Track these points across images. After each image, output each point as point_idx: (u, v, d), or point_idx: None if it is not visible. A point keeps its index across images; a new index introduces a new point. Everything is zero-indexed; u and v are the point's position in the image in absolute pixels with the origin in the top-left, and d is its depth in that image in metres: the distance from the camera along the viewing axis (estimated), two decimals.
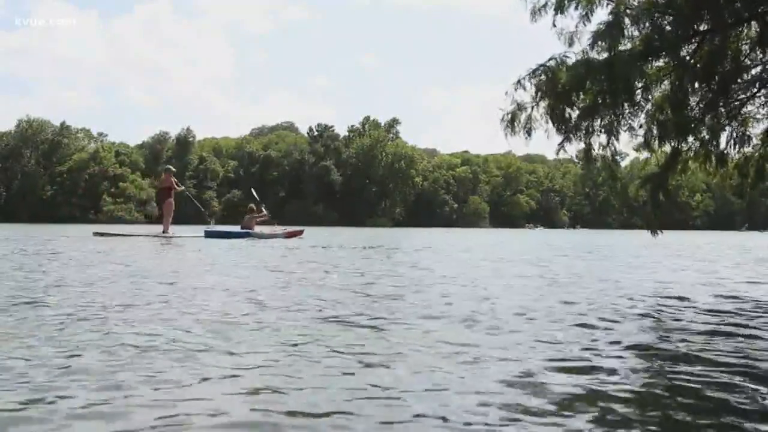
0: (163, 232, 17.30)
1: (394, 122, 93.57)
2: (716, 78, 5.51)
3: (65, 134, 79.54)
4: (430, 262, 9.07)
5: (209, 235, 17.04)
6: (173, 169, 19.48)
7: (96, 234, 17.22)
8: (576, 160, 6.28)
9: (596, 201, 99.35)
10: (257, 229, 18.07)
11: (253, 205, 18.87)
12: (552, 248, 15.36)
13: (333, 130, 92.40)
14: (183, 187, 18.75)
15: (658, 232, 6.46)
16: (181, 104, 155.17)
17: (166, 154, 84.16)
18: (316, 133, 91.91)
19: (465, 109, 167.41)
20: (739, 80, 5.78)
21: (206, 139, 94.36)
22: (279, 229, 18.86)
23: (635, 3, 5.26)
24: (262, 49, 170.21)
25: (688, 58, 5.47)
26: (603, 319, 3.77)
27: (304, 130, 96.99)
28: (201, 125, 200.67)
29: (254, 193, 21.57)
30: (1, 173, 76.34)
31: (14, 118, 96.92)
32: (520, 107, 5.55)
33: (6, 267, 6.82)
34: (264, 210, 19.06)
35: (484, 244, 19.00)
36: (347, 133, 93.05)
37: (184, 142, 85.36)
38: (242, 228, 18.08)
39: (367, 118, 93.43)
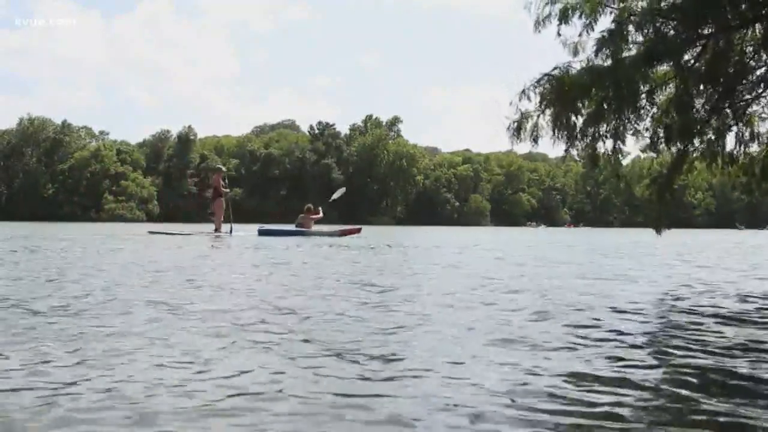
0: (216, 230, 17.69)
1: (395, 121, 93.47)
2: (721, 80, 5.52)
3: (66, 132, 79.38)
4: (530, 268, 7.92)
5: (262, 233, 17.00)
6: (223, 169, 19.55)
7: (151, 233, 17.56)
8: (578, 159, 6.29)
9: (597, 199, 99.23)
10: (314, 228, 17.92)
11: (310, 205, 18.56)
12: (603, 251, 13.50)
13: (334, 128, 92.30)
14: (228, 190, 18.52)
15: (664, 230, 6.52)
16: (182, 103, 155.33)
17: (168, 153, 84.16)
18: (317, 131, 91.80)
19: (465, 109, 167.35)
20: (744, 81, 5.79)
21: (207, 137, 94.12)
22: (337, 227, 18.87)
23: (638, 9, 5.26)
24: (263, 48, 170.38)
25: (692, 61, 5.47)
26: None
27: (305, 128, 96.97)
28: (202, 124, 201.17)
29: (338, 194, 20.56)
30: (3, 172, 76.27)
31: (15, 117, 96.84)
32: (525, 116, 5.56)
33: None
34: (321, 211, 18.63)
35: (525, 242, 18.81)
36: (348, 132, 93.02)
37: (185, 140, 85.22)
38: (297, 226, 17.93)
39: (369, 117, 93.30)
